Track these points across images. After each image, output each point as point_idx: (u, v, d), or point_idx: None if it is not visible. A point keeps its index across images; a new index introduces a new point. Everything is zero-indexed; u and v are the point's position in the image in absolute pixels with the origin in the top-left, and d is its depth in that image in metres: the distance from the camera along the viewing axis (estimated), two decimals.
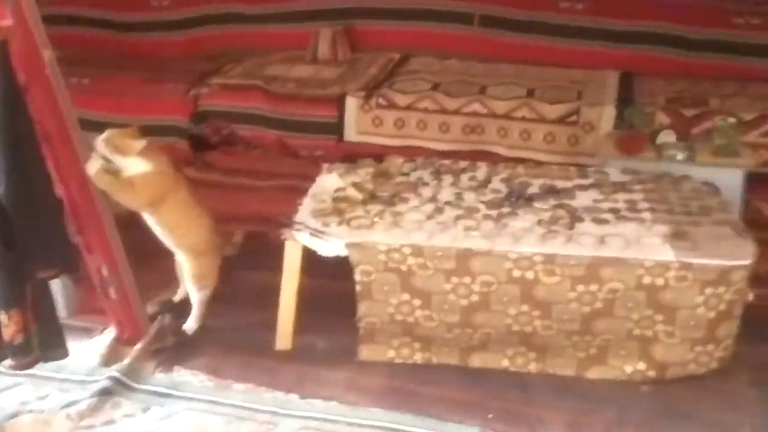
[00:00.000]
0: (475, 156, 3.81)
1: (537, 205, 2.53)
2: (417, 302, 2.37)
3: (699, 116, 3.57)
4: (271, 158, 4.19)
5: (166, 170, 2.47)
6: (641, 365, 2.38)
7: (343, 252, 2.33)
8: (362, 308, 2.42)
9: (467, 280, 2.31)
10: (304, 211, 2.48)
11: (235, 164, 4.20)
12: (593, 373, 2.41)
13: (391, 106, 3.96)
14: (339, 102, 4.02)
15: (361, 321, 2.44)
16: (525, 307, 2.32)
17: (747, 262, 2.22)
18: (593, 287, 2.26)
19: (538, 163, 3.27)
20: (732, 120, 3.08)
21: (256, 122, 4.17)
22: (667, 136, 3.10)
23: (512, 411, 2.30)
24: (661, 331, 2.31)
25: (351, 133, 4.04)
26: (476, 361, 2.46)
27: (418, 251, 2.29)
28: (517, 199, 2.56)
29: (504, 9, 4.27)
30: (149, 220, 2.51)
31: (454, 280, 2.31)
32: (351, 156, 3.74)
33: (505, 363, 2.45)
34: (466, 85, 4.04)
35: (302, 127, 4.08)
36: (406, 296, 2.37)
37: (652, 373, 2.38)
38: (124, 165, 2.40)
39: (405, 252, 2.30)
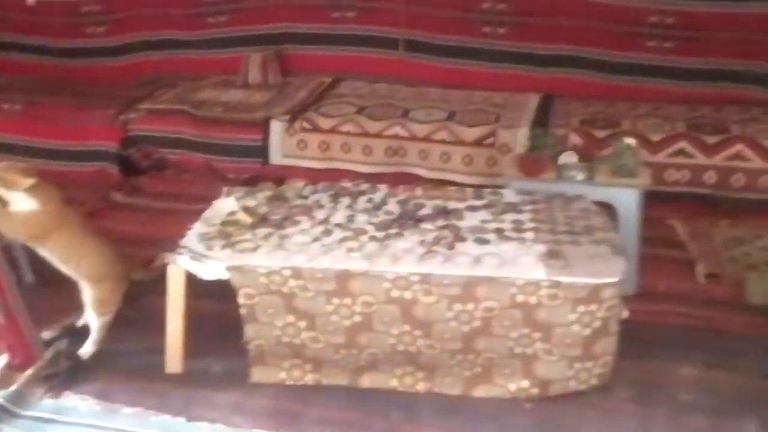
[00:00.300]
0: (399, 178, 3.89)
1: (425, 226, 2.57)
2: (302, 324, 2.40)
3: (610, 137, 3.66)
4: (199, 182, 4.22)
5: (52, 208, 2.51)
6: (525, 383, 2.41)
7: (224, 275, 2.36)
8: (249, 331, 2.44)
9: (348, 300, 2.34)
10: (192, 235, 2.51)
11: (164, 188, 4.24)
12: (479, 392, 2.45)
13: (315, 129, 4.03)
14: (264, 126, 4.08)
15: (250, 344, 2.47)
16: (406, 327, 2.36)
17: (615, 280, 2.27)
18: (470, 306, 2.31)
19: (439, 185, 3.34)
20: (630, 141, 3.15)
21: (184, 146, 4.23)
22: (569, 157, 3.16)
23: (394, 431, 2.32)
24: (540, 349, 2.36)
25: (276, 157, 4.10)
26: (366, 381, 2.49)
27: (297, 273, 2.33)
28: (407, 220, 2.61)
29: (428, 34, 4.37)
30: (40, 250, 2.54)
31: (336, 301, 2.35)
32: (276, 179, 3.82)
33: (394, 383, 2.48)
34: (390, 108, 4.12)
35: (229, 150, 4.14)
36: (290, 318, 2.40)
37: (535, 391, 2.42)
38: (10, 199, 2.43)
39: (285, 274, 2.33)
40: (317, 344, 2.43)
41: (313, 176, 3.84)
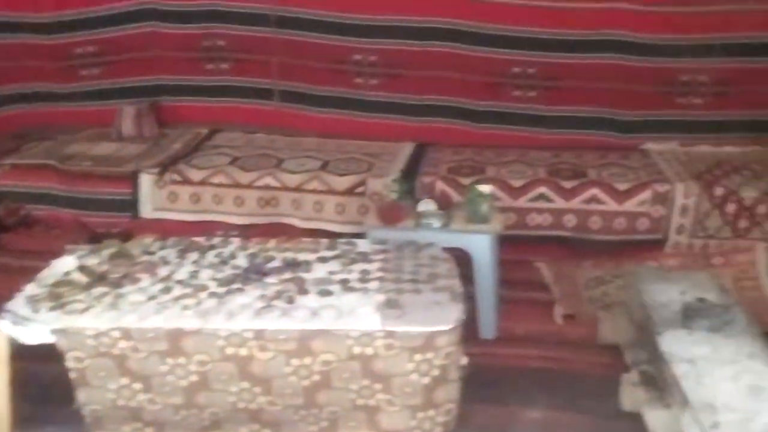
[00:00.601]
0: (272, 228, 3.88)
1: (269, 279, 2.55)
2: (137, 386, 2.32)
3: (474, 184, 3.74)
4: (68, 238, 4.07)
5: None
6: None
7: (49, 339, 2.26)
8: (81, 395, 2.34)
9: (182, 360, 2.28)
10: (19, 297, 2.40)
11: (29, 246, 4.07)
12: None
13: (186, 181, 3.98)
14: (133, 179, 4.00)
15: (83, 409, 2.36)
16: (245, 384, 2.31)
17: (448, 327, 2.29)
18: (307, 360, 2.28)
19: (312, 234, 3.35)
20: (484, 188, 3.23)
21: (51, 202, 4.10)
22: (427, 205, 3.22)
23: None
24: (382, 400, 2.35)
25: (147, 210, 4.02)
26: None
27: (127, 334, 2.25)
28: (253, 274, 2.58)
29: (302, 85, 4.42)
30: None
31: (170, 361, 2.28)
32: (146, 232, 3.72)
33: None
34: (264, 158, 4.12)
35: (97, 205, 4.04)
36: (124, 380, 2.31)
37: None
38: None
39: (114, 336, 2.26)
40: (155, 406, 2.35)
41: (186, 229, 3.80)
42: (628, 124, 4.19)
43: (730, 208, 3.61)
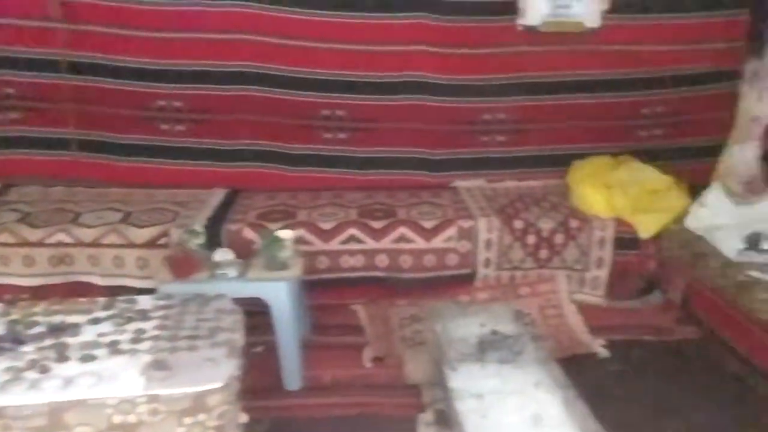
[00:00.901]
0: (70, 288, 3.59)
1: (27, 347, 2.30)
2: None
3: (284, 229, 3.64)
4: None
5: None
6: None
7: None
8: None
9: None
10: None
11: None
12: None
13: None
14: None
15: None
16: None
17: (219, 385, 2.15)
18: None
19: (114, 292, 3.11)
20: (283, 233, 3.14)
21: None
22: (224, 255, 3.08)
23: None
24: None
25: None
26: None
27: None
28: (7, 343, 2.31)
29: (103, 133, 4.16)
30: None
31: None
32: None
33: None
34: (60, 213, 3.82)
35: None
36: None
37: None
38: None
39: None
40: None
41: None
42: (438, 163, 4.27)
43: (530, 239, 3.74)
